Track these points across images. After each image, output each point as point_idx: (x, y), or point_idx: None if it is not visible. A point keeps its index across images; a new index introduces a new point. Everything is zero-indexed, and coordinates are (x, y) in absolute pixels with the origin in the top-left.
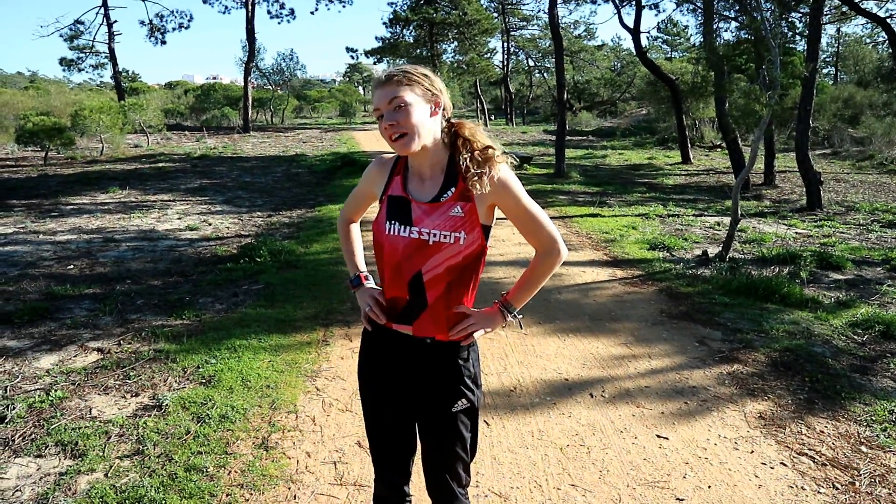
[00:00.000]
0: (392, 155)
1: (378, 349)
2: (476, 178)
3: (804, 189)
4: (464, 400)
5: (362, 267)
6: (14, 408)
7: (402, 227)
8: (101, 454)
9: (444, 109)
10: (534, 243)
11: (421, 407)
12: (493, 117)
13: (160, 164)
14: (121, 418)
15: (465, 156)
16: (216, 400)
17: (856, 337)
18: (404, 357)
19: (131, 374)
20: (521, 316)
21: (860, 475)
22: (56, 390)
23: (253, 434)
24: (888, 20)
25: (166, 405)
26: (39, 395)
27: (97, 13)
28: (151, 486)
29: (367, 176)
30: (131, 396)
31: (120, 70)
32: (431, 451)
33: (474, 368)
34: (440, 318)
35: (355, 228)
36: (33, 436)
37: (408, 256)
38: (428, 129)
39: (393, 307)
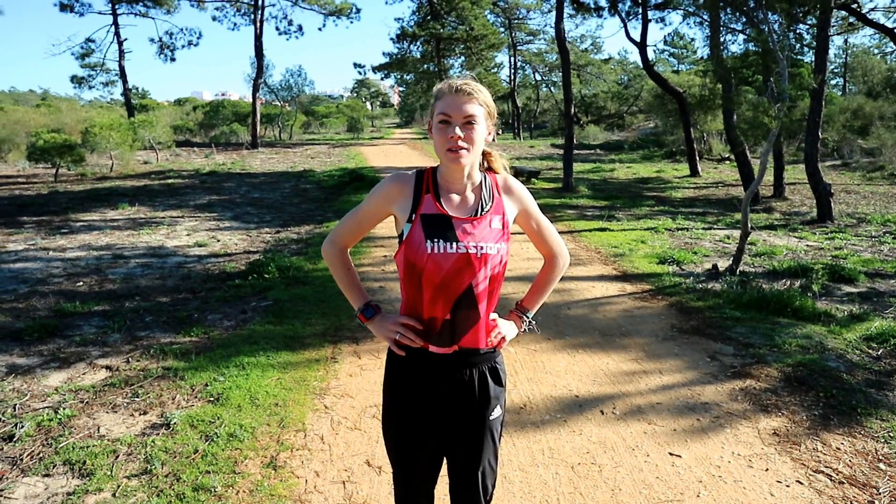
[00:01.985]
0: (408, 173)
1: (413, 374)
2: (510, 193)
3: (814, 201)
4: (498, 407)
5: (365, 294)
6: (23, 426)
7: (448, 244)
8: (108, 473)
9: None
10: (545, 250)
11: (455, 423)
12: (500, 132)
13: (169, 181)
14: (129, 437)
15: (496, 175)
16: (224, 418)
17: (870, 351)
18: (442, 377)
19: (139, 391)
20: (535, 321)
21: (879, 493)
22: (64, 408)
23: (261, 453)
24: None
25: (174, 423)
26: (48, 414)
27: (108, 31)
28: None
29: (383, 195)
30: (139, 415)
31: (130, 87)
32: (462, 464)
33: (504, 373)
34: (486, 327)
35: (348, 255)
36: (41, 455)
37: (456, 272)
38: (481, 148)
39: (429, 329)
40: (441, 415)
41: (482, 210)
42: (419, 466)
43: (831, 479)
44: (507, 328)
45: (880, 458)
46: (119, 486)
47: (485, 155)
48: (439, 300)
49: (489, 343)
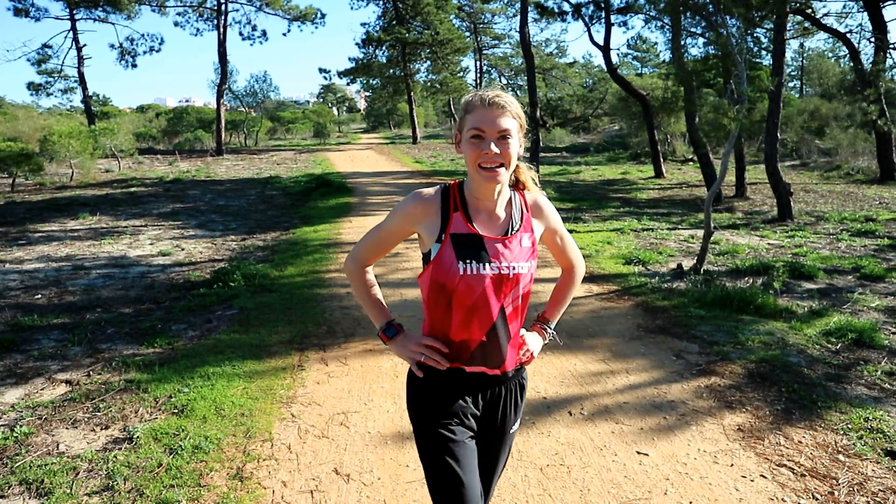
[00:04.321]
0: (432, 190)
1: (446, 392)
2: (538, 210)
3: (775, 200)
4: (519, 420)
5: (388, 313)
6: None
7: (481, 264)
8: (68, 492)
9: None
10: (566, 263)
11: (480, 436)
12: None
13: (132, 189)
14: (90, 453)
15: (525, 192)
16: (189, 430)
17: (829, 346)
18: (473, 394)
19: (101, 406)
20: (556, 332)
21: (839, 484)
22: (21, 426)
23: (227, 465)
24: (848, 35)
25: (137, 437)
26: (3, 432)
27: (66, 37)
28: None
29: (406, 214)
30: (101, 429)
31: (90, 94)
32: (481, 474)
33: (526, 387)
34: (517, 346)
35: (371, 273)
36: None
37: (489, 294)
38: (515, 164)
39: (462, 349)
40: (476, 427)
41: (513, 228)
42: (470, 478)
43: (793, 472)
44: (534, 343)
45: (839, 449)
46: None
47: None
48: (472, 322)
49: (519, 360)
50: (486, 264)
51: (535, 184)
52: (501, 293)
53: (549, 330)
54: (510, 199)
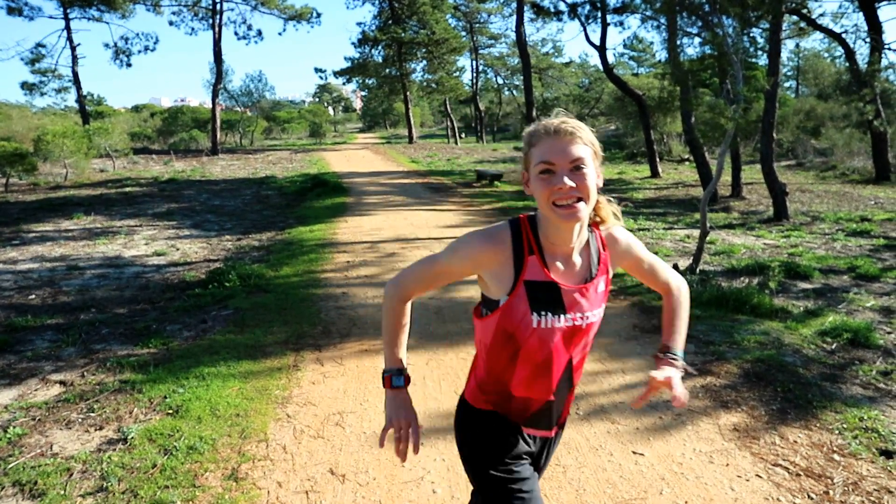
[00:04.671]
0: (501, 231)
1: (508, 434)
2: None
3: (771, 200)
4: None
5: (405, 358)
6: None
7: (556, 317)
8: (62, 493)
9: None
10: (662, 287)
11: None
12: (463, 135)
13: (127, 189)
14: (84, 454)
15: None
16: (184, 431)
17: (825, 345)
18: (527, 436)
19: (95, 406)
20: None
21: (834, 484)
22: (14, 427)
23: (222, 465)
24: (843, 35)
25: (132, 438)
26: None
27: (60, 36)
28: None
29: (472, 259)
30: (95, 430)
31: (84, 94)
32: None
33: None
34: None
35: (408, 308)
36: None
37: (560, 347)
38: (595, 197)
39: (522, 408)
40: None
41: (591, 275)
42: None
43: (789, 472)
44: (679, 385)
45: (834, 449)
46: None
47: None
48: (539, 379)
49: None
50: (562, 316)
51: (617, 218)
52: (572, 344)
53: (678, 360)
54: (588, 239)
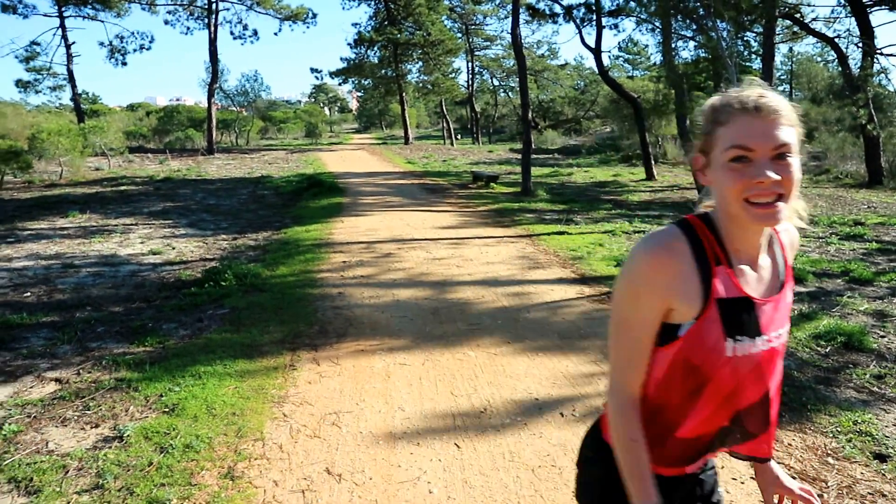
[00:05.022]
0: (671, 236)
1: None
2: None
3: None
4: None
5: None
6: None
7: (752, 341)
8: (57, 490)
9: None
10: None
11: None
12: (459, 136)
13: (122, 188)
14: (80, 451)
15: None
16: (180, 429)
17: (819, 349)
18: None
19: (91, 404)
20: None
21: (828, 487)
22: (10, 424)
23: (218, 464)
24: (836, 40)
25: (128, 436)
26: None
27: (54, 34)
28: None
29: (654, 287)
30: (91, 428)
31: (79, 92)
32: None
33: None
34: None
35: (637, 414)
36: None
37: (755, 377)
38: (798, 193)
39: (672, 455)
40: None
41: (781, 282)
42: None
43: None
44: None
45: (829, 452)
46: (69, 503)
47: None
48: (721, 413)
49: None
50: (758, 338)
51: (802, 217)
52: (768, 373)
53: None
54: (770, 239)
